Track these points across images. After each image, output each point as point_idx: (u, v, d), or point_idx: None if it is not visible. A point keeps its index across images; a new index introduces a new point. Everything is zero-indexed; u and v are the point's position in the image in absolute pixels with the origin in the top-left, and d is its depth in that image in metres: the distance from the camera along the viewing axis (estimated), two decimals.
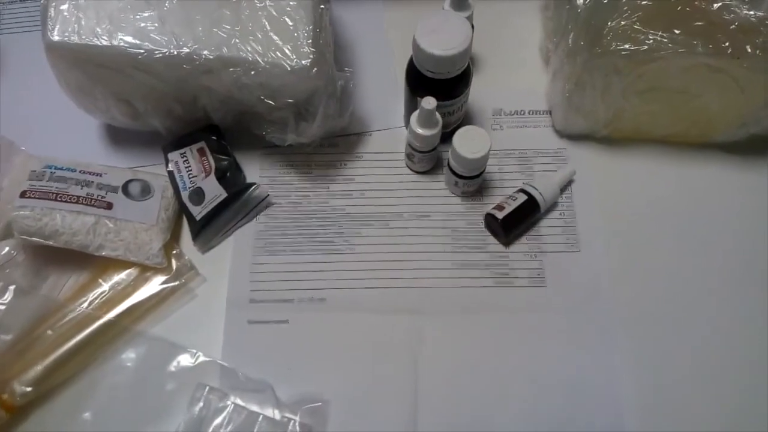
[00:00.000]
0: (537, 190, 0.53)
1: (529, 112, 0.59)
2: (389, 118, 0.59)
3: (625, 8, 0.49)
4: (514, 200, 0.53)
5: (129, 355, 0.49)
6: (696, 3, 0.48)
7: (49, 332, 0.49)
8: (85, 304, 0.50)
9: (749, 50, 0.47)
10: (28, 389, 0.47)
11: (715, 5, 0.48)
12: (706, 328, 0.51)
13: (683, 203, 0.55)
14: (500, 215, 0.52)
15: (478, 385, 0.49)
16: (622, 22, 0.48)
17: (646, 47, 0.48)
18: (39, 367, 0.48)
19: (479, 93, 0.58)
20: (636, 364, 0.49)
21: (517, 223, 0.53)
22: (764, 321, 0.51)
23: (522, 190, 0.54)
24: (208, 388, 0.47)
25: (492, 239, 0.54)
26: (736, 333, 0.51)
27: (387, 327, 0.51)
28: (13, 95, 0.60)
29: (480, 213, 0.55)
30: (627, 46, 0.48)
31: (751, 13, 0.48)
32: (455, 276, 0.53)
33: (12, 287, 0.50)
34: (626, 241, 0.54)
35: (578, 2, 0.50)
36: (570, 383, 0.49)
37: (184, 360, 0.49)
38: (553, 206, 0.55)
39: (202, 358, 0.49)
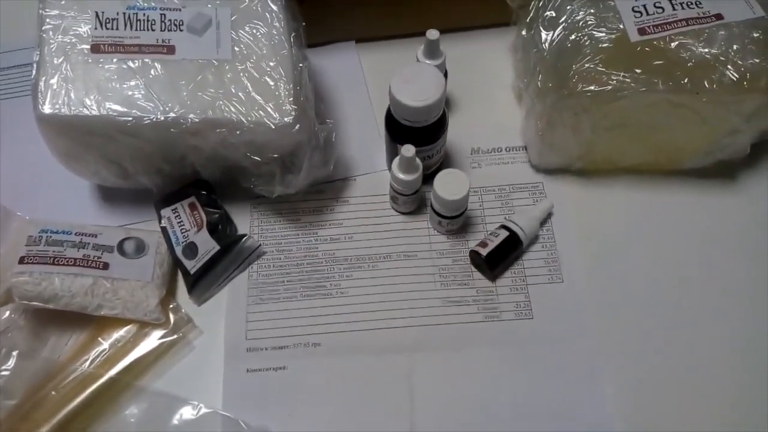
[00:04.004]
0: (518, 225, 0.55)
1: (505, 149, 0.61)
2: (372, 162, 0.61)
3: (588, 51, 0.51)
4: (496, 236, 0.55)
5: (132, 411, 0.50)
6: (654, 43, 0.51)
7: (53, 393, 0.50)
8: (87, 364, 0.51)
9: (707, 85, 0.50)
10: None
11: (672, 44, 0.51)
12: (689, 353, 0.52)
13: (658, 228, 0.57)
14: (484, 252, 0.54)
15: (473, 418, 0.50)
16: (586, 65, 0.51)
17: (610, 87, 0.50)
18: (44, 429, 0.49)
19: (457, 133, 0.60)
20: (622, 392, 0.51)
21: (501, 258, 0.55)
22: (747, 342, 0.52)
23: (503, 226, 0.55)
24: None
25: (478, 275, 0.56)
26: (721, 357, 0.52)
27: (381, 367, 0.52)
28: (4, 160, 0.61)
29: (465, 250, 0.57)
30: (592, 87, 0.50)
31: (706, 50, 0.50)
32: (445, 313, 0.54)
33: (15, 352, 0.51)
34: (606, 269, 0.55)
35: (544, 46, 0.53)
36: (560, 413, 0.50)
37: (186, 413, 0.50)
38: (534, 239, 0.56)
39: (203, 410, 0.50)
